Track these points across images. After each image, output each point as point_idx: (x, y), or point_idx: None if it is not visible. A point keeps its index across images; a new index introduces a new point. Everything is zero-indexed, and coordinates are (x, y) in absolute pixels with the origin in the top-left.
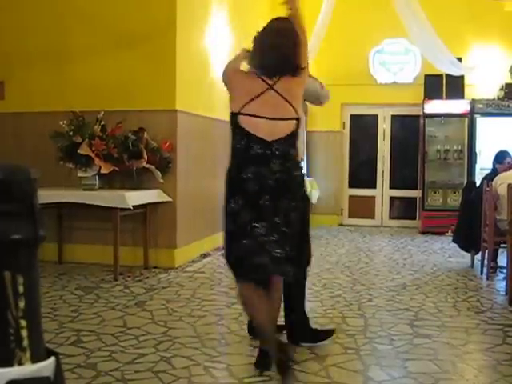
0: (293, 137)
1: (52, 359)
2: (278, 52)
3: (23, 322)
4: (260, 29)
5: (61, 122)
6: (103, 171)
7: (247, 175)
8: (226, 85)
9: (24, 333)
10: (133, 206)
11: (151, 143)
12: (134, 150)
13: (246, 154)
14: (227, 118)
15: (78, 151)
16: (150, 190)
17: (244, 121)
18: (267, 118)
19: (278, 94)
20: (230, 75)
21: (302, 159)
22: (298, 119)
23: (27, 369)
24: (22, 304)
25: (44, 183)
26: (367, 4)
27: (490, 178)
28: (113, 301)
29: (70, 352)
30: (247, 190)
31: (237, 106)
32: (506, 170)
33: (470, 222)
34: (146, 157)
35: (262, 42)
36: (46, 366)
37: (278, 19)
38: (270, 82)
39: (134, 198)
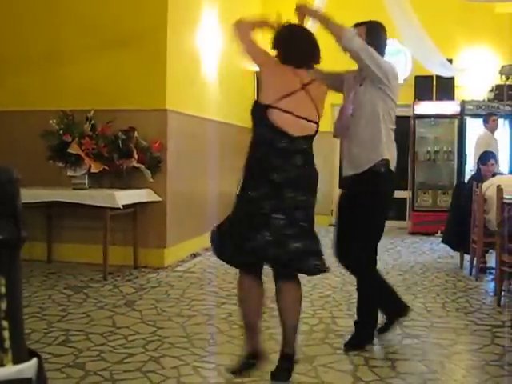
0: (312, 137)
1: (34, 360)
2: (309, 40)
3: (5, 324)
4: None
5: (51, 121)
6: (93, 170)
7: (272, 166)
8: (259, 67)
9: (6, 334)
10: (122, 206)
11: (141, 142)
12: (123, 149)
13: (272, 146)
14: (218, 117)
15: (68, 150)
16: (140, 189)
17: (274, 114)
18: (295, 115)
19: (309, 95)
20: (270, 65)
21: None
22: (317, 123)
23: (8, 370)
24: (3, 305)
25: (34, 182)
26: (358, 4)
27: (476, 178)
28: (102, 300)
29: (59, 352)
30: (273, 181)
31: (268, 98)
32: (489, 172)
33: (459, 222)
34: (136, 156)
35: (292, 32)
36: (28, 368)
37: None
38: (304, 82)
39: (124, 197)
